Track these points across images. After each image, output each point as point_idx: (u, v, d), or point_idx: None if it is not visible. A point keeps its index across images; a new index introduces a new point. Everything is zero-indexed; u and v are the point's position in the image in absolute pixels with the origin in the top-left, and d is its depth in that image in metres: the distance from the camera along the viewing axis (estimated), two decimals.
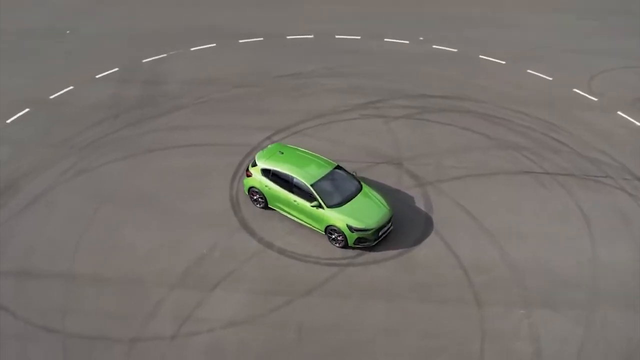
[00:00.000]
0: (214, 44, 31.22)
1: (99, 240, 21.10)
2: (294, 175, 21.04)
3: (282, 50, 30.74)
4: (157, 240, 21.06)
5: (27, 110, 26.73)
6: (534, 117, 26.60)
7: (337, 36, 31.81)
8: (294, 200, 21.06)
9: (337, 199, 20.84)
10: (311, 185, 20.81)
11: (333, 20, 32.81)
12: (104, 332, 18.36)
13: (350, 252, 20.82)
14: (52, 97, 27.53)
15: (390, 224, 21.05)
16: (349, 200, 20.93)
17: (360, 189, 21.34)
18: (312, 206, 20.69)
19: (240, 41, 31.47)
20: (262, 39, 31.70)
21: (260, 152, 22.34)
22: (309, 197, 20.82)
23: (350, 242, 20.46)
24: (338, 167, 21.71)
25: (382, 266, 20.47)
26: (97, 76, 28.93)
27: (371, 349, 17.96)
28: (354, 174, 21.84)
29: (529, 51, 30.80)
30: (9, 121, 26.13)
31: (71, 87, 28.14)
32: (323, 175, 21.16)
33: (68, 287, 19.59)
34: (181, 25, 32.76)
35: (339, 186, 21.20)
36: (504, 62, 30.03)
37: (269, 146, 22.73)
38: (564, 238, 21.39)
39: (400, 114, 26.70)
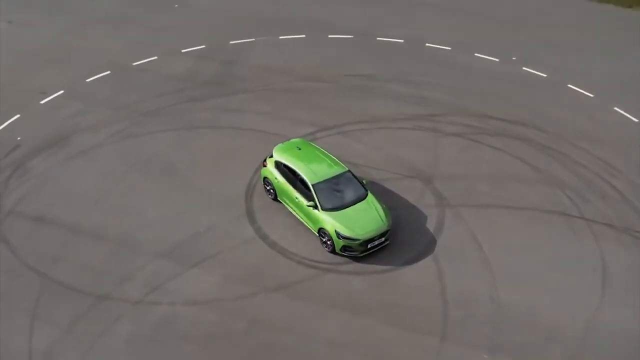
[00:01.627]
0: (304, 35, 31.67)
1: (115, 201, 22.48)
2: (300, 172, 21.15)
3: (366, 51, 30.61)
4: (166, 211, 22.08)
5: (108, 72, 28.77)
6: (595, 156, 24.66)
7: (427, 44, 31.10)
8: (296, 197, 21.20)
9: (335, 203, 20.70)
10: (312, 185, 20.84)
11: (430, 28, 32.05)
12: (81, 285, 19.68)
13: (337, 259, 20.64)
14: (134, 64, 29.38)
15: (384, 238, 20.53)
16: (347, 207, 20.68)
17: (363, 198, 20.99)
18: (308, 205, 20.71)
19: (330, 36, 31.69)
20: (352, 36, 31.70)
21: (280, 144, 22.61)
22: (308, 195, 20.84)
23: (337, 248, 20.29)
24: (349, 172, 21.45)
25: (363, 279, 20.12)
26: (182, 50, 30.42)
27: (305, 359, 17.76)
28: (362, 181, 21.49)
29: (625, 87, 28.30)
30: (88, 80, 28.29)
31: (155, 58, 29.81)
32: (329, 177, 21.09)
33: (70, 238, 21.12)
34: (281, 12, 33.42)
35: (341, 191, 21.03)
36: (591, 95, 27.94)
37: (291, 140, 22.93)
38: (570, 290, 19.84)
39: (455, 131, 25.79)
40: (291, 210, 21.71)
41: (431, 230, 21.66)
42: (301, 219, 21.37)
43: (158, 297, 19.36)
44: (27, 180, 23.24)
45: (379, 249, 20.78)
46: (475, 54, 30.42)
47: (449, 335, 18.50)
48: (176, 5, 34.20)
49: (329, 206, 20.63)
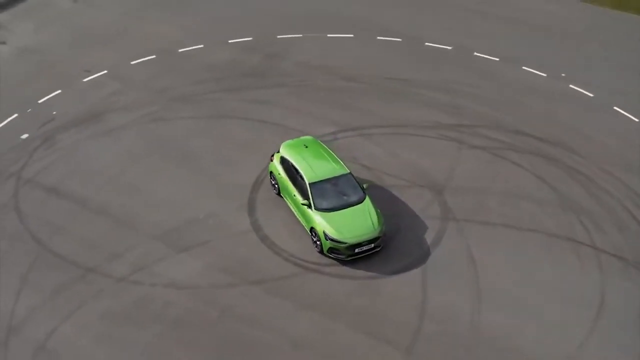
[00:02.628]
0: (352, 35, 31.55)
1: (128, 180, 23.26)
2: (300, 170, 21.18)
3: (412, 55, 30.16)
4: (172, 195, 22.66)
5: (153, 56, 29.67)
6: (626, 184, 23.33)
7: (475, 53, 30.32)
8: (294, 194, 21.26)
9: (329, 204, 20.61)
10: (309, 183, 20.84)
11: (481, 37, 31.14)
12: (73, 257, 20.52)
13: (325, 260, 20.60)
14: (180, 50, 30.14)
15: (374, 245, 20.27)
16: (340, 209, 20.54)
17: (360, 202, 20.78)
18: (303, 204, 20.73)
19: (379, 38, 31.42)
20: (400, 40, 31.32)
21: (289, 141, 22.70)
22: (305, 194, 20.86)
23: (324, 250, 20.22)
24: (349, 174, 21.29)
25: (344, 283, 19.99)
26: (229, 41, 30.96)
27: (265, 354, 17.79)
28: (363, 185, 21.26)
29: None
30: (133, 62, 29.27)
31: (201, 46, 30.48)
32: (327, 177, 21.02)
33: (76, 211, 22.06)
34: (334, 11, 33.32)
35: (338, 192, 20.92)
36: (636, 120, 26.44)
37: (301, 138, 22.94)
38: (559, 320, 19.01)
39: (480, 144, 25.07)
40: (290, 207, 21.75)
41: (428, 242, 21.20)
42: (297, 217, 21.38)
43: (142, 277, 19.90)
44: (52, 153, 24.34)
45: (368, 254, 20.43)
46: (523, 67, 29.35)
47: (416, 350, 18.13)
48: None
49: (322, 206, 20.55)
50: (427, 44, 30.90)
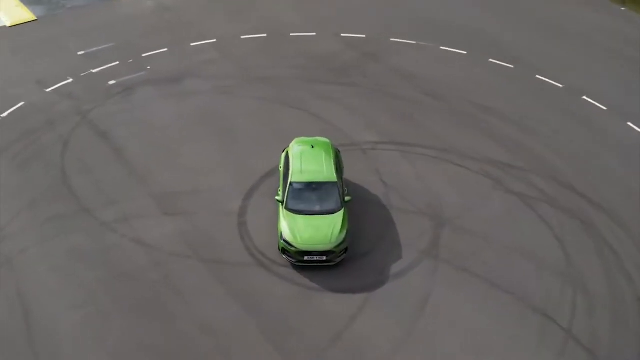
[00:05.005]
0: (465, 52, 30.43)
1: (165, 141, 25.12)
2: (290, 167, 21.51)
3: (513, 85, 28.32)
4: (193, 163, 24.06)
5: (264, 35, 31.17)
6: None
7: (584, 97, 27.74)
8: (279, 190, 21.69)
9: (300, 206, 20.71)
10: (290, 182, 21.11)
11: (601, 81, 28.38)
12: (81, 195, 22.88)
13: (281, 260, 20.79)
14: (292, 34, 31.29)
15: (326, 258, 20.08)
16: (309, 214, 20.57)
17: (333, 212, 20.63)
18: (277, 200, 21.10)
19: (491, 60, 29.94)
20: (512, 66, 29.57)
21: (301, 138, 22.97)
22: (284, 191, 21.20)
23: (279, 248, 20.47)
24: (335, 184, 21.16)
25: (284, 286, 20.20)
26: (342, 34, 31.46)
27: (171, 327, 18.87)
28: (345, 198, 21.00)
29: None
30: (243, 37, 31.05)
31: (313, 34, 31.38)
32: (311, 181, 21.08)
33: (108, 157, 24.40)
34: (458, 23, 32.21)
35: (315, 198, 20.92)
36: None
37: (315, 137, 23.03)
38: None
39: (518, 190, 23.28)
40: None
41: (392, 272, 20.42)
42: None
43: (119, 227, 21.68)
44: (123, 102, 26.96)
45: (324, 266, 20.27)
46: (629, 123, 26.27)
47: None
48: None
49: (292, 207, 20.70)
50: (537, 76, 28.80)
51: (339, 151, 22.97)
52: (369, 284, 20.04)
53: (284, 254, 20.24)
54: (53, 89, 27.52)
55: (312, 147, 22.16)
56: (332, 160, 21.64)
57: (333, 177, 21.15)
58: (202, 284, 19.94)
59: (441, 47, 30.64)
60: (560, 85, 28.17)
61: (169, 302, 19.45)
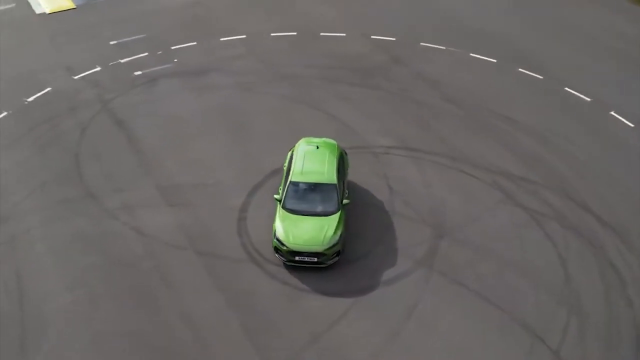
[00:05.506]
0: (494, 60, 29.83)
1: (180, 133, 25.48)
2: (292, 166, 21.51)
3: (538, 97, 27.55)
4: (203, 156, 24.32)
5: (294, 33, 31.24)
6: None
7: (612, 113, 26.87)
8: (280, 188, 21.72)
9: (296, 206, 20.68)
10: (290, 181, 21.10)
11: (634, 96, 27.32)
12: (90, 181, 23.45)
13: (275, 259, 20.77)
14: (322, 34, 31.28)
15: (317, 260, 20.00)
16: (305, 215, 20.52)
17: (329, 214, 20.53)
18: (276, 198, 21.13)
19: (520, 69, 29.26)
20: (541, 77, 28.85)
21: (309, 138, 22.91)
22: (284, 189, 21.22)
23: (272, 245, 20.49)
24: (334, 186, 21.03)
25: (272, 284, 20.22)
26: (372, 36, 31.27)
27: (153, 315, 19.16)
28: (343, 201, 20.86)
29: None
30: (273, 34, 31.22)
31: (343, 34, 31.27)
32: (311, 181, 21.01)
33: (122, 145, 24.89)
34: (489, 30, 31.55)
35: (312, 199, 20.83)
36: None
37: (322, 138, 22.93)
38: None
39: (527, 205, 22.68)
40: None
41: (383, 278, 20.20)
42: None
43: (122, 214, 22.08)
44: (145, 93, 27.44)
45: (316, 268, 20.22)
46: None
47: None
48: None
49: (289, 206, 20.67)
50: (566, 88, 28.03)
51: (345, 153, 22.79)
52: (359, 289, 19.85)
53: (277, 252, 20.21)
54: (80, 77, 28.18)
55: (317, 147, 22.06)
56: (335, 162, 21.49)
57: (333, 179, 21.00)
58: (192, 276, 20.10)
59: (471, 54, 30.10)
60: (589, 99, 27.29)
61: (158, 291, 19.67)
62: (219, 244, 21.04)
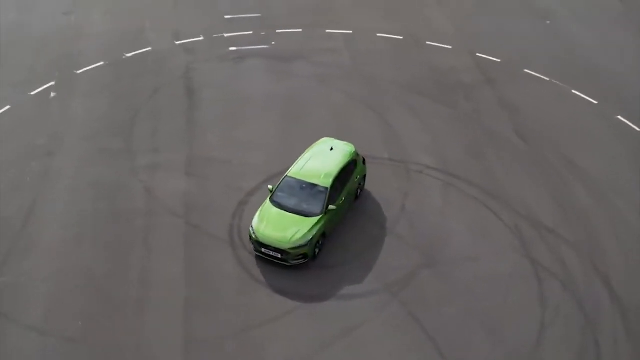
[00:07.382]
0: (596, 102, 27.36)
1: (238, 110, 26.39)
2: (297, 162, 21.64)
3: (634, 150, 25.02)
4: (242, 135, 25.04)
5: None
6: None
7: None
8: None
9: (284, 201, 20.70)
10: (285, 176, 21.25)
11: None
12: (135, 138, 25.09)
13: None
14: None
15: (281, 257, 19.99)
16: (288, 211, 20.58)
17: (312, 215, 20.40)
18: (269, 187, 21.39)
19: (618, 117, 26.56)
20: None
21: (329, 138, 22.75)
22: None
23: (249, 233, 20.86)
24: (325, 189, 20.82)
25: (235, 271, 20.38)
26: (477, 54, 30.02)
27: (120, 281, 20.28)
28: (329, 205, 20.60)
29: None
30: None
31: (449, 47, 30.32)
32: (305, 180, 20.96)
33: (180, 112, 26.17)
34: (605, 69, 28.78)
35: (301, 197, 20.74)
36: None
37: (343, 142, 22.53)
38: None
39: (538, 259, 20.84)
40: None
41: (343, 292, 19.72)
42: None
43: (144, 174, 23.25)
44: (227, 68, 28.71)
45: (274, 260, 20.17)
46: None
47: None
48: (548, 22, 32.40)
49: (275, 199, 20.79)
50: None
51: (364, 162, 22.27)
52: (313, 295, 19.50)
53: (250, 240, 20.42)
54: (181, 43, 30.09)
55: (331, 149, 21.80)
56: (340, 167, 21.11)
57: (327, 182, 20.69)
58: (169, 242, 20.90)
59: (573, 91, 27.69)
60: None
61: (134, 247, 20.70)
62: (209, 220, 21.63)
